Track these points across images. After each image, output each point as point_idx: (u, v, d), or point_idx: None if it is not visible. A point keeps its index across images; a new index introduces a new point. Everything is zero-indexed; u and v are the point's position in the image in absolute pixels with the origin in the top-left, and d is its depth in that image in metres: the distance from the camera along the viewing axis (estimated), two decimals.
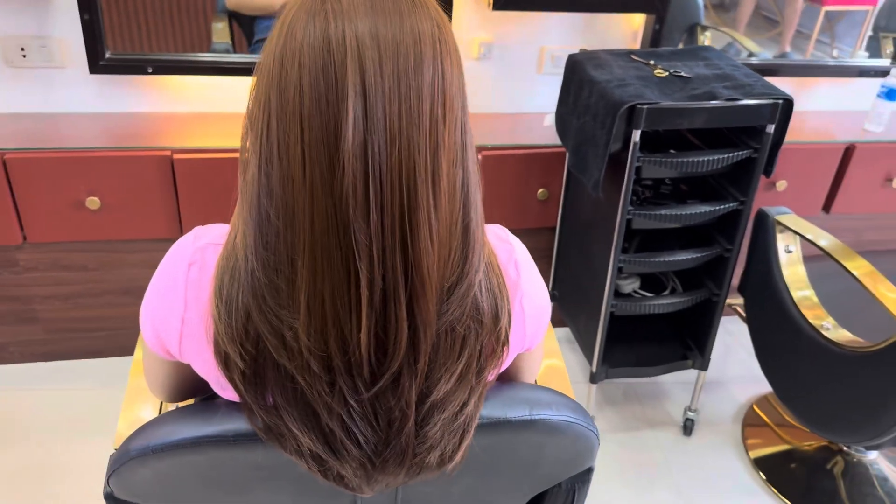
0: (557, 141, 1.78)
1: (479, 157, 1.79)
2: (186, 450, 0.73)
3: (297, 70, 0.59)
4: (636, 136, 1.43)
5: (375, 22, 0.60)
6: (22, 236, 1.74)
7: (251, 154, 0.64)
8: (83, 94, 1.82)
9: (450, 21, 0.67)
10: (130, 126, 1.81)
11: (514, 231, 0.84)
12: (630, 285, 1.79)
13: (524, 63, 1.97)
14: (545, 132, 1.86)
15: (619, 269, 1.62)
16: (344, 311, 0.64)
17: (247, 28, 1.86)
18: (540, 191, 1.88)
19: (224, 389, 0.77)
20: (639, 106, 1.40)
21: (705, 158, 1.48)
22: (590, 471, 0.92)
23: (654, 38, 1.89)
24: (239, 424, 0.72)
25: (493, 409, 0.77)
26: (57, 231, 1.75)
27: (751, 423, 1.93)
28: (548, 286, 2.03)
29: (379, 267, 0.63)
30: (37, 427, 1.79)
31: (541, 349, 0.91)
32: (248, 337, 0.66)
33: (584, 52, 1.68)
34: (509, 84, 1.99)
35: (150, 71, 1.75)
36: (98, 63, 1.70)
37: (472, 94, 0.67)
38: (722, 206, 1.56)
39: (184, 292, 0.71)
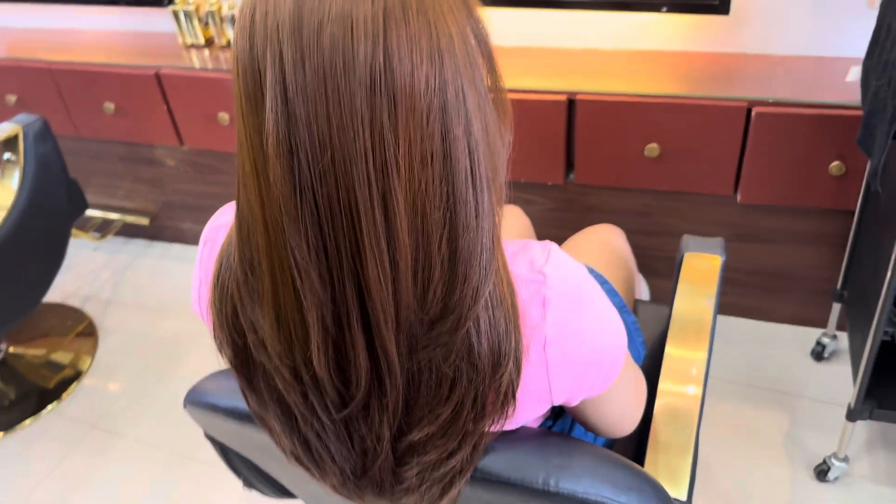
0: None
1: (754, 113, 1.45)
2: (211, 412, 0.77)
3: (234, 56, 0.53)
4: None
5: (300, 8, 0.49)
6: None
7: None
8: None
9: None
10: None
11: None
12: None
13: None
14: (850, 88, 1.42)
15: None
16: (301, 325, 0.58)
17: None
18: (834, 164, 1.46)
19: None
20: None
21: None
22: None
23: None
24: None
25: (498, 464, 0.65)
26: None
27: None
28: (837, 283, 1.61)
29: (326, 288, 0.55)
30: None
31: (609, 403, 0.72)
32: (236, 328, 0.64)
33: None
34: (824, 18, 1.55)
35: None
36: None
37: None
38: None
39: (198, 269, 0.72)
